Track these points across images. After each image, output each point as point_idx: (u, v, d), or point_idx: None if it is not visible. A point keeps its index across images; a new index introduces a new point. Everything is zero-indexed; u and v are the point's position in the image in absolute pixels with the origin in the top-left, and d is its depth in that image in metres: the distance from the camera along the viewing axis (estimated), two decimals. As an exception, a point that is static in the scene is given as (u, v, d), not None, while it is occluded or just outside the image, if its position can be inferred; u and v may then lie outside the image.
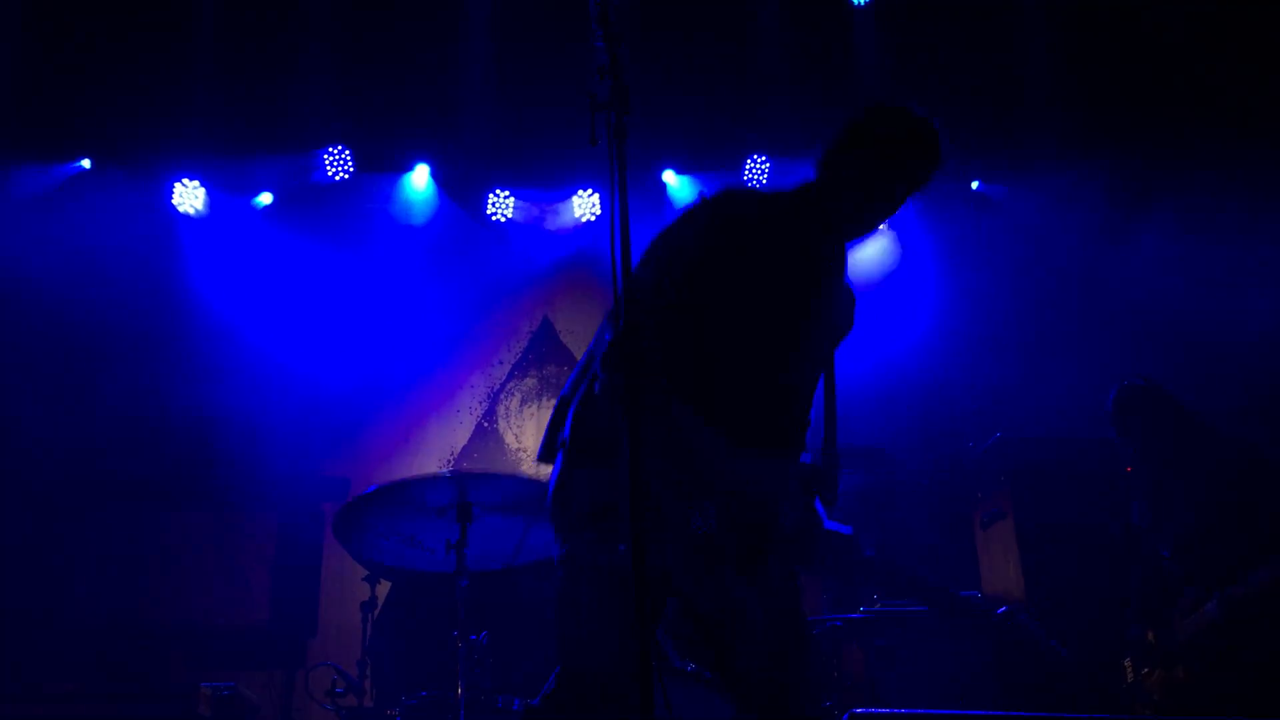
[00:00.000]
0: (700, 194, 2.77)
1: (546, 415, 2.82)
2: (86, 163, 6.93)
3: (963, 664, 5.03)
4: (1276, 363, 5.93)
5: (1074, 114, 6.74)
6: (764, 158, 7.24)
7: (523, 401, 7.38)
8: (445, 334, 7.27)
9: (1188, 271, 6.25)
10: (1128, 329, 6.46)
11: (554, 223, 7.47)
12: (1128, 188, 6.74)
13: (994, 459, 5.52)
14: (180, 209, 6.98)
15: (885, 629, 4.99)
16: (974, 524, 5.75)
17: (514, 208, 7.33)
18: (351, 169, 7.10)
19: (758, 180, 7.26)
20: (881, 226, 6.90)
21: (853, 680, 4.89)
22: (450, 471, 4.60)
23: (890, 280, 7.25)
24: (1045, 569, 5.17)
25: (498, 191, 7.29)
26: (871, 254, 7.19)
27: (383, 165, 7.21)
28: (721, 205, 2.72)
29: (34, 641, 6.09)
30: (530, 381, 7.43)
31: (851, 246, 2.87)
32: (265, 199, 7.24)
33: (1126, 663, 4.70)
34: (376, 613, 5.34)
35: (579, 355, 2.87)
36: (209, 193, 7.06)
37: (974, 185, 7.34)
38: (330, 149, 7.04)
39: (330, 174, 7.08)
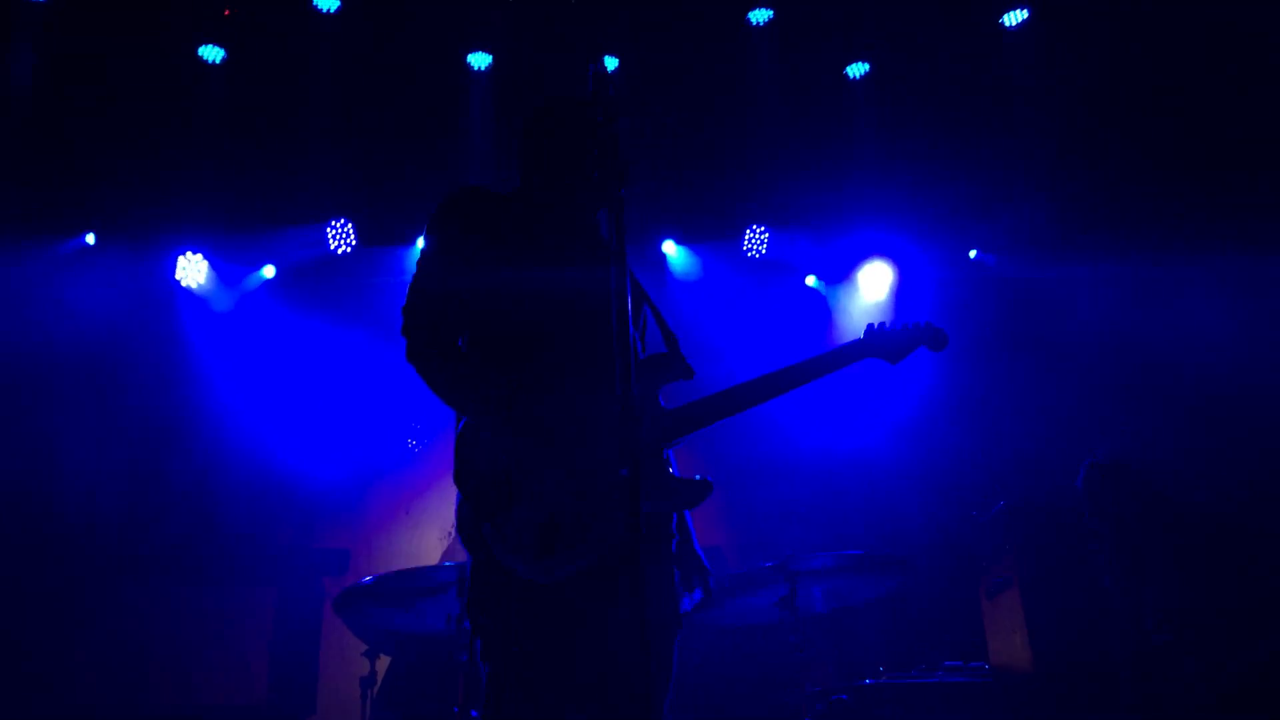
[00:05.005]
0: None
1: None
2: (91, 237, 6.97)
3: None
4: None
5: (1069, 186, 6.82)
6: (763, 228, 7.30)
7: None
8: (445, 406, 7.25)
9: (1194, 335, 6.29)
10: (1133, 396, 6.45)
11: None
12: (1127, 255, 6.79)
13: (999, 528, 5.47)
14: (183, 283, 7.01)
15: (891, 701, 4.93)
16: (979, 594, 5.68)
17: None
18: (354, 243, 7.15)
19: (757, 251, 7.32)
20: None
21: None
22: (452, 563, 4.59)
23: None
24: (1053, 638, 5.09)
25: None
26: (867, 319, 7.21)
27: (385, 239, 7.26)
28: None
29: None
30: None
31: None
32: (268, 272, 7.28)
33: None
34: (375, 689, 5.28)
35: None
36: (212, 265, 7.10)
37: (971, 254, 7.39)
38: (333, 223, 7.10)
39: (333, 247, 7.12)
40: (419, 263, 2.78)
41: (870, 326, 3.06)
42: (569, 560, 2.49)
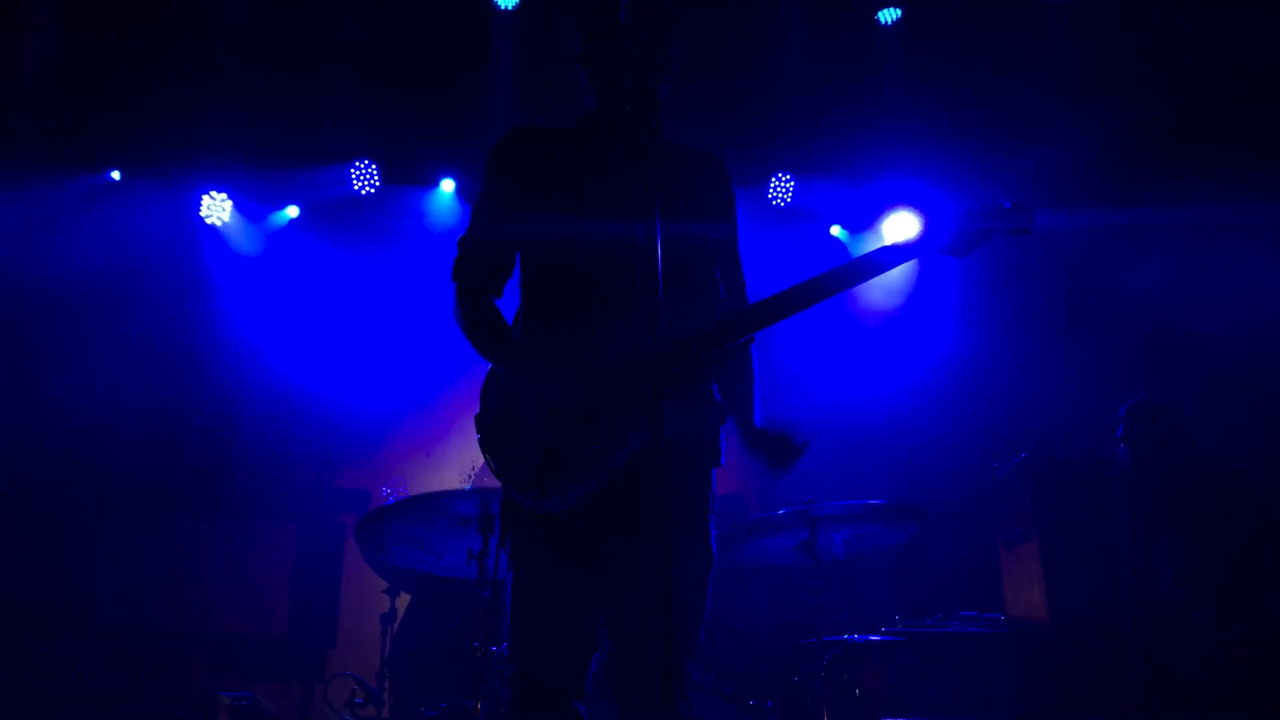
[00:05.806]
0: None
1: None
2: (116, 174, 6.98)
3: (984, 686, 4.98)
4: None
5: (1104, 134, 6.69)
6: (788, 176, 7.24)
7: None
8: (469, 348, 7.25)
9: (1217, 292, 6.19)
10: (1159, 350, 6.38)
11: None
12: (1167, 206, 6.66)
13: (1019, 480, 5.45)
14: (207, 221, 7.03)
15: (906, 650, 4.96)
16: (998, 546, 5.69)
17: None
18: (377, 183, 7.13)
19: (782, 199, 7.26)
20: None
21: (873, 701, 4.85)
22: (472, 487, 4.62)
23: (913, 299, 7.23)
24: (1070, 592, 5.10)
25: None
26: (892, 274, 7.16)
27: (409, 179, 7.23)
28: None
29: (57, 645, 6.10)
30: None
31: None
32: (291, 212, 7.28)
33: None
34: (396, 624, 5.35)
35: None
36: (236, 205, 7.10)
37: (1003, 206, 7.29)
38: (357, 163, 7.08)
39: (356, 188, 7.10)
40: (471, 213, 2.85)
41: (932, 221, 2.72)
42: (571, 487, 2.48)
